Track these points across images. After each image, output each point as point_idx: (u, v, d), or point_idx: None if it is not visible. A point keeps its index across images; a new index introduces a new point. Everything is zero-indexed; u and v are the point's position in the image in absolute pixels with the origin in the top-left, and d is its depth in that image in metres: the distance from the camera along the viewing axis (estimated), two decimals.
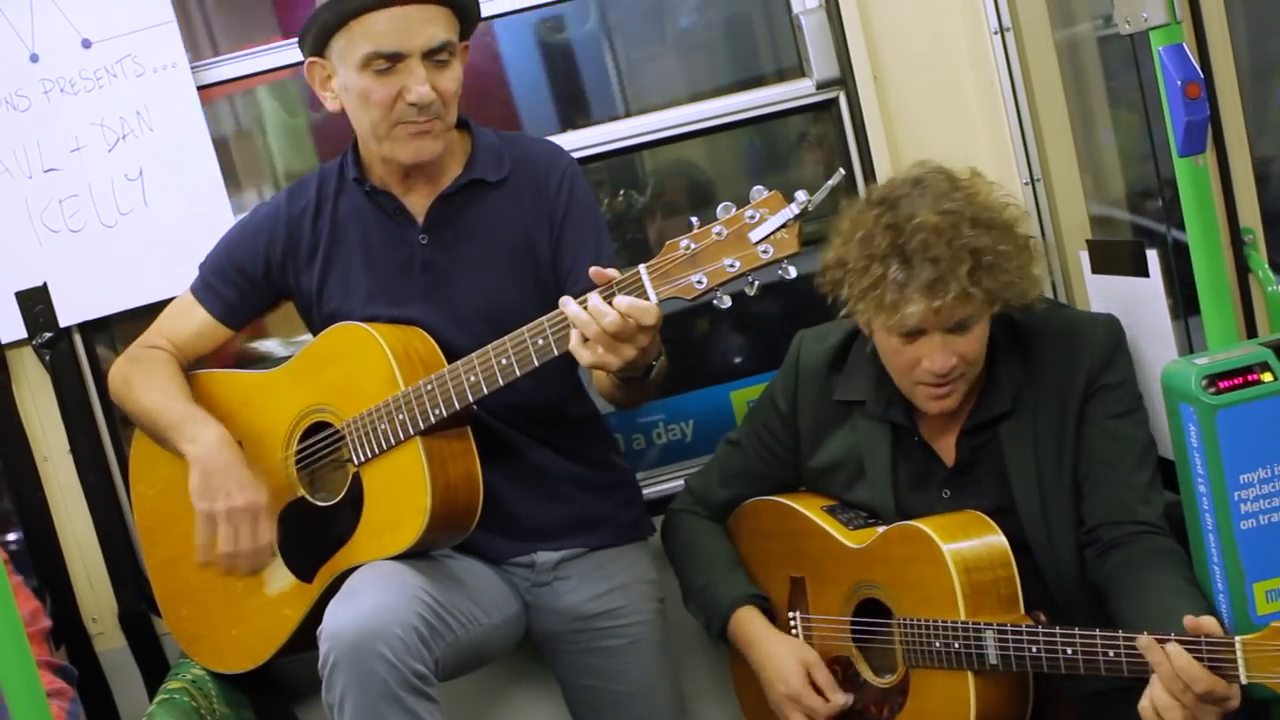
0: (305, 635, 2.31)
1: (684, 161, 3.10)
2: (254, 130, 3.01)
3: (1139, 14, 1.89)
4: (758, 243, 1.99)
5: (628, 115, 2.97)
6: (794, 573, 2.44)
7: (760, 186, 2.00)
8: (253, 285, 2.50)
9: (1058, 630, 2.05)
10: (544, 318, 2.12)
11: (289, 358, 2.49)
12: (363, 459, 2.29)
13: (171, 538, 2.53)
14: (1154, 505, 2.21)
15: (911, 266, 2.10)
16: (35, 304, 2.73)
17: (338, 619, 2.12)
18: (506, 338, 2.16)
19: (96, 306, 2.75)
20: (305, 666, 2.28)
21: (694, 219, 2.03)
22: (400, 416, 2.24)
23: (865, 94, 2.79)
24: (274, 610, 2.41)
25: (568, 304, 2.07)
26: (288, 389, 2.42)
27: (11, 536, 2.89)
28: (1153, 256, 2.32)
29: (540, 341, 2.13)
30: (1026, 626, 2.09)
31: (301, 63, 2.38)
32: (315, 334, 2.46)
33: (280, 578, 2.40)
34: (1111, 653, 1.98)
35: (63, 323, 2.74)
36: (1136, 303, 2.36)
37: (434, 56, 2.26)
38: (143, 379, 2.46)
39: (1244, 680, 1.84)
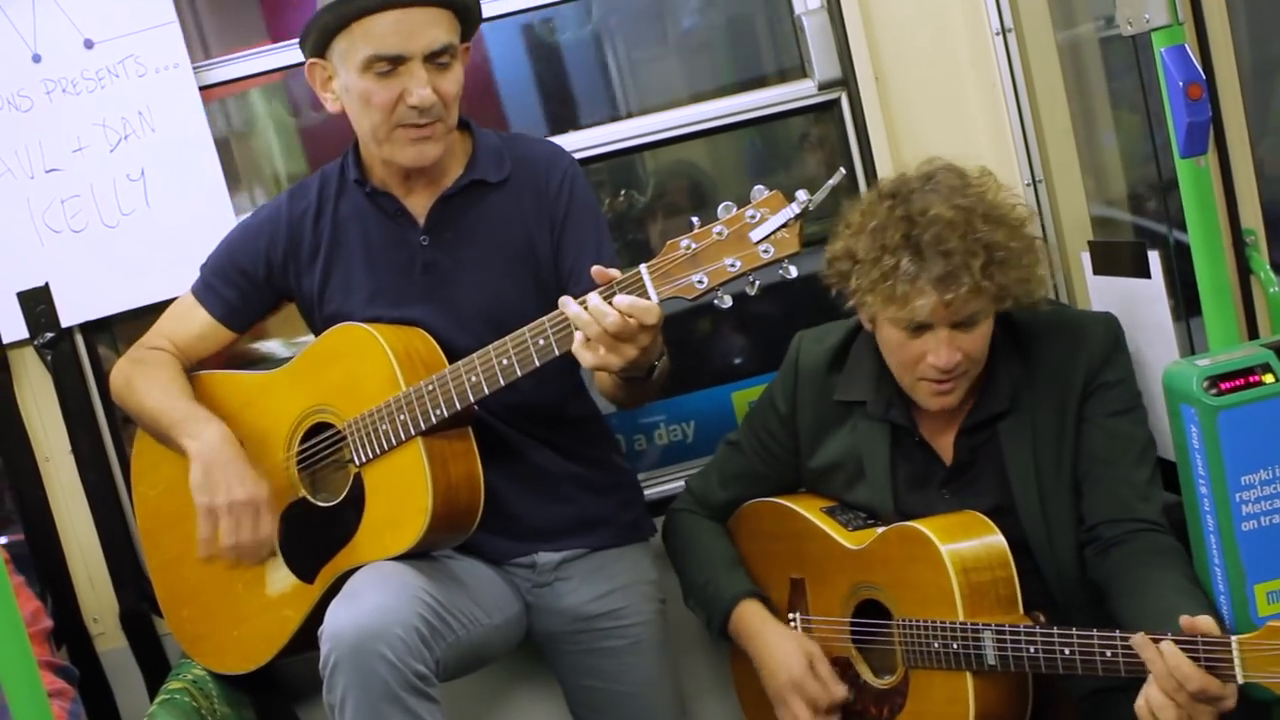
0: (306, 636, 2.31)
1: (685, 162, 3.10)
2: (245, 132, 3.01)
3: (1141, 15, 1.89)
4: (758, 242, 1.99)
5: (629, 116, 2.97)
6: (794, 574, 2.44)
7: (761, 186, 2.00)
8: (254, 286, 2.50)
9: (1055, 631, 2.05)
10: (545, 318, 2.12)
11: (290, 359, 2.49)
12: (364, 459, 2.29)
13: (173, 539, 2.53)
14: (1153, 503, 2.21)
15: (924, 259, 2.10)
16: (37, 304, 2.73)
17: (339, 619, 2.12)
18: (507, 338, 2.16)
19: (98, 307, 2.76)
20: (306, 667, 2.28)
21: (695, 219, 2.02)
22: (401, 417, 2.24)
23: (867, 95, 2.79)
24: (275, 611, 2.41)
25: (568, 304, 2.07)
26: (289, 390, 2.42)
27: (11, 538, 2.89)
28: (1154, 258, 2.32)
29: (541, 342, 2.13)
30: (1024, 627, 2.09)
31: (302, 64, 2.38)
32: (317, 335, 2.46)
33: (281, 578, 2.40)
34: (1109, 653, 1.98)
35: (64, 323, 2.74)
36: (1138, 304, 2.36)
37: (435, 59, 2.26)
38: (144, 380, 2.46)
39: (1241, 680, 1.84)
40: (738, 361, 3.10)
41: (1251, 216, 2.22)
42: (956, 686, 2.16)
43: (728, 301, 2.03)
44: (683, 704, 2.67)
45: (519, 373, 2.16)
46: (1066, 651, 2.03)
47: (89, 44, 2.72)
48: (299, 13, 2.80)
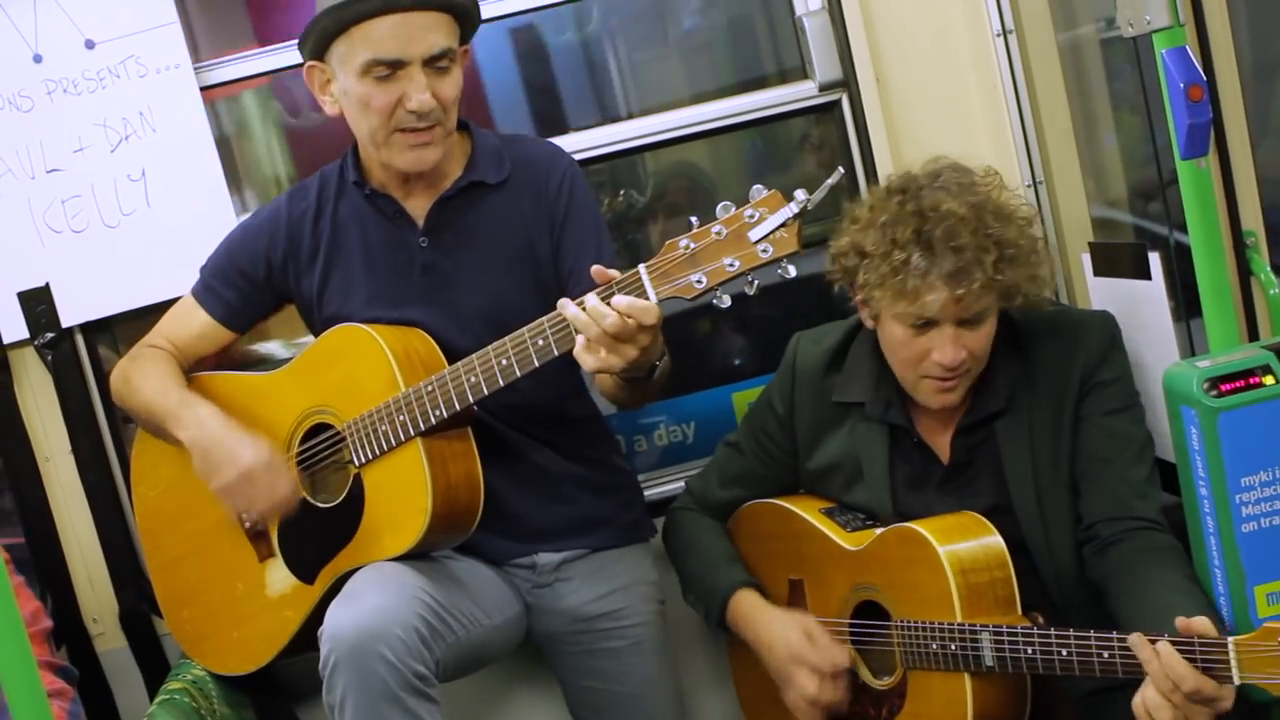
0: (306, 636, 2.31)
1: (685, 163, 3.10)
2: (235, 135, 3.02)
3: (1142, 16, 1.89)
4: (757, 242, 1.99)
5: (630, 117, 2.97)
6: (793, 575, 2.44)
7: (760, 185, 2.00)
8: (254, 287, 2.50)
9: (1053, 631, 2.05)
10: (544, 318, 2.12)
11: (290, 359, 2.49)
12: (363, 460, 2.29)
13: (173, 540, 2.54)
14: (1152, 501, 2.21)
15: (935, 254, 2.10)
16: (37, 304, 2.73)
17: (339, 620, 2.12)
18: (507, 338, 2.16)
19: (99, 307, 2.76)
20: (306, 667, 2.28)
21: (693, 218, 2.02)
22: (401, 417, 2.24)
23: (868, 96, 2.79)
24: (275, 612, 2.41)
25: (566, 306, 2.07)
26: (289, 391, 2.42)
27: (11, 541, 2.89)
28: (1155, 259, 2.31)
29: (540, 342, 2.13)
30: (1022, 628, 2.09)
31: (302, 65, 2.38)
32: (316, 336, 2.46)
33: (281, 579, 2.40)
34: (1106, 654, 1.97)
35: (65, 323, 2.75)
36: (1138, 305, 2.36)
37: (435, 63, 2.26)
38: (139, 376, 2.47)
39: (1237, 681, 1.84)
40: (738, 362, 3.10)
41: (1252, 218, 2.22)
42: (955, 688, 2.16)
43: (727, 301, 2.02)
44: (683, 704, 2.67)
45: (518, 373, 2.16)
46: (1064, 652, 2.02)
47: (90, 44, 2.72)
48: (285, 16, 2.82)
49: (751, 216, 1.99)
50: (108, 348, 2.84)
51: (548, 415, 2.45)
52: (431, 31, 2.24)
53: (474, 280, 2.39)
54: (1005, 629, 2.09)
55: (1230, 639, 1.84)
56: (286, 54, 2.78)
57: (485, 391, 2.18)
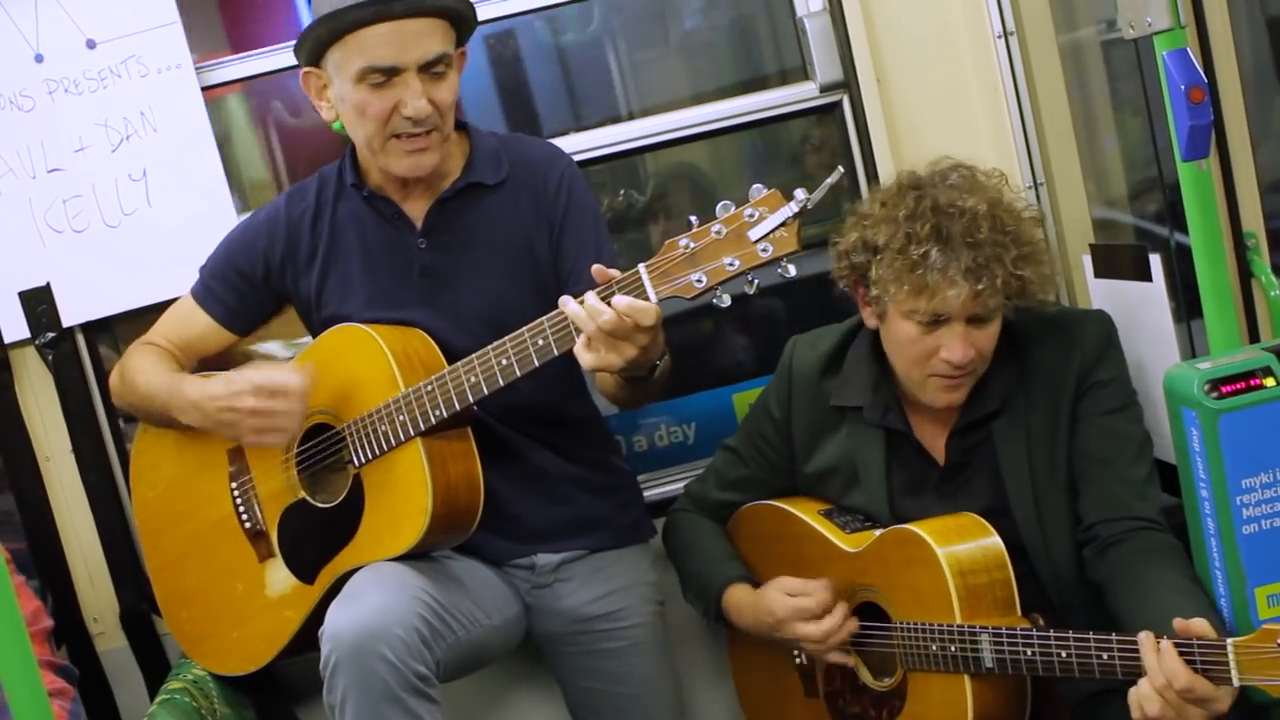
0: (307, 636, 2.31)
1: (686, 164, 3.10)
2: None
3: (1143, 18, 1.89)
4: (757, 241, 1.99)
5: (631, 118, 2.97)
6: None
7: (759, 185, 2.00)
8: (252, 288, 2.50)
9: (1052, 633, 2.05)
10: (544, 318, 2.12)
11: (290, 360, 2.49)
12: (363, 460, 2.29)
13: (173, 540, 2.54)
14: (1151, 501, 2.21)
15: (953, 250, 2.10)
16: (38, 304, 2.73)
17: (339, 620, 2.12)
18: (506, 338, 2.16)
19: (99, 307, 2.76)
20: (307, 667, 2.28)
21: (693, 218, 2.02)
22: (400, 418, 2.24)
23: (869, 97, 2.79)
24: (275, 612, 2.41)
25: (567, 303, 2.07)
26: None
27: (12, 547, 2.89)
28: (1155, 261, 2.31)
29: (540, 342, 2.12)
30: (1021, 629, 2.09)
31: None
32: (315, 337, 2.46)
33: (281, 579, 2.41)
34: (1105, 655, 1.97)
35: (65, 323, 2.75)
36: (1139, 306, 2.36)
37: (430, 69, 2.26)
38: (132, 371, 2.48)
39: (1236, 682, 1.84)
40: (739, 363, 3.10)
41: (1253, 220, 2.22)
42: (954, 689, 2.16)
43: (726, 301, 2.02)
44: (682, 705, 2.67)
45: (518, 373, 2.16)
46: (1063, 654, 2.02)
47: (91, 44, 2.72)
48: (259, 24, 2.82)
49: (751, 216, 1.99)
50: (108, 347, 2.84)
51: (547, 416, 2.45)
52: (426, 38, 2.24)
53: (473, 281, 2.39)
54: (1005, 630, 2.09)
55: (1229, 641, 1.84)
56: (286, 54, 2.78)
57: (485, 391, 2.18)
